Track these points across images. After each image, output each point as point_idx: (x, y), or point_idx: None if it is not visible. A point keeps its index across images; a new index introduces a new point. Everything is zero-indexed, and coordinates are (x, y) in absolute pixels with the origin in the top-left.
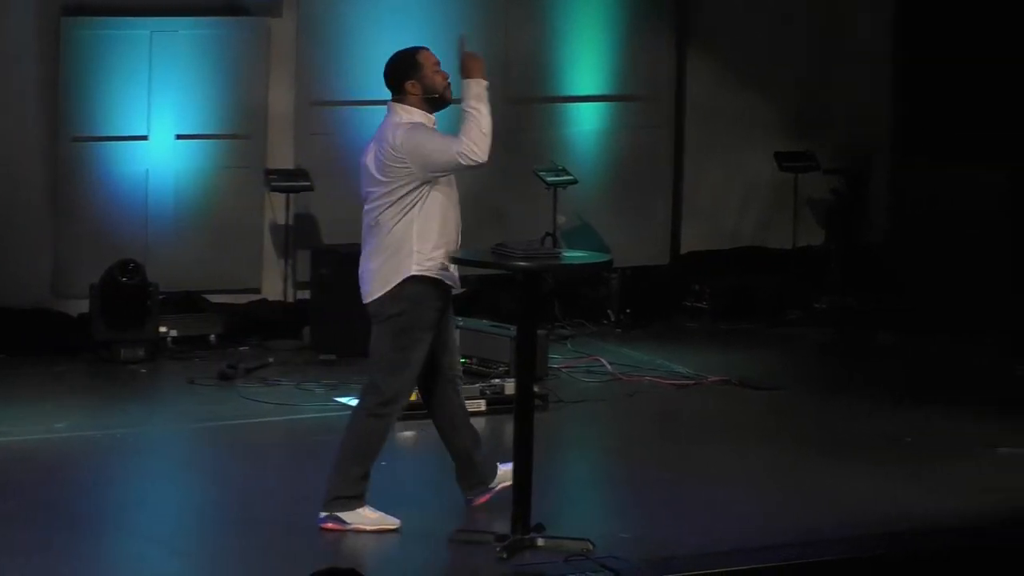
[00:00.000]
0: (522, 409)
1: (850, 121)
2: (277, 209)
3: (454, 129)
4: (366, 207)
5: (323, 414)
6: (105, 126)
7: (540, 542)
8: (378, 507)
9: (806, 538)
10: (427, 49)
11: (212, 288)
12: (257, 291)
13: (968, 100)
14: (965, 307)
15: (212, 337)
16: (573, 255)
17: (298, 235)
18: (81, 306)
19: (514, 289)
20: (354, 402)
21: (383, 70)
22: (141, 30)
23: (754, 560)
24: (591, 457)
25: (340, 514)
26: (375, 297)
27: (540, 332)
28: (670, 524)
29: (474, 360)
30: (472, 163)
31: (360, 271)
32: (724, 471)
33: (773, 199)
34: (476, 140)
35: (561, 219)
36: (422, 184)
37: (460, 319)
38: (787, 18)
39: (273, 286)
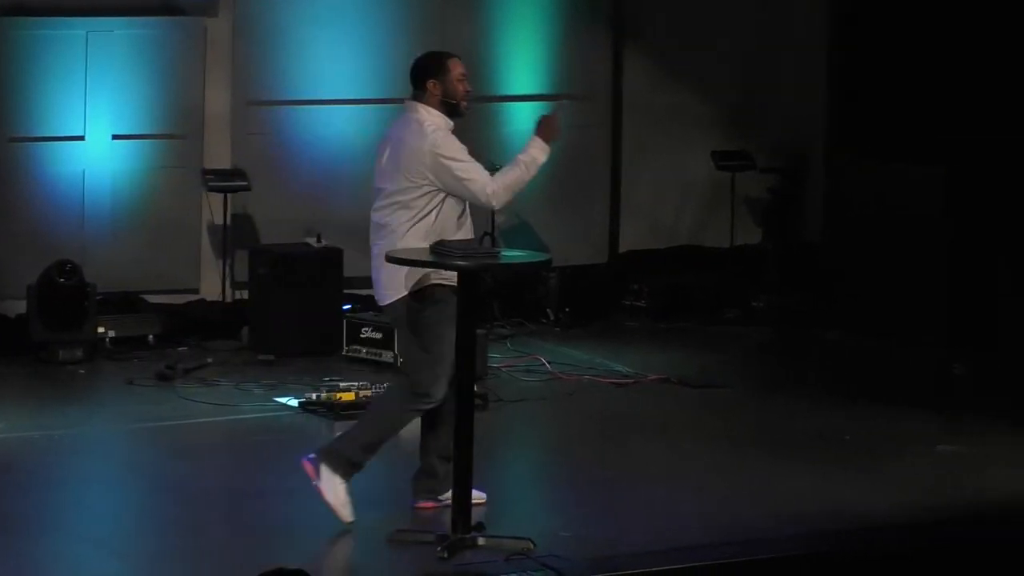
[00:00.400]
0: (462, 409)
1: (786, 120)
2: (215, 209)
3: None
4: (376, 204)
5: (262, 414)
6: (41, 126)
7: (481, 541)
8: (318, 507)
9: (746, 536)
10: (458, 58)
11: (150, 288)
12: (195, 291)
13: (903, 98)
14: (901, 305)
15: (150, 338)
16: (512, 254)
17: (236, 235)
18: (18, 307)
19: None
20: (293, 402)
21: (411, 66)
22: (77, 30)
23: (694, 558)
24: (531, 456)
25: (323, 466)
26: (391, 301)
27: (479, 332)
28: (610, 523)
29: None
30: (490, 206)
31: (373, 273)
32: (663, 469)
33: (710, 198)
34: (508, 189)
35: (500, 218)
36: (439, 191)
37: None
38: (723, 17)
39: (211, 286)
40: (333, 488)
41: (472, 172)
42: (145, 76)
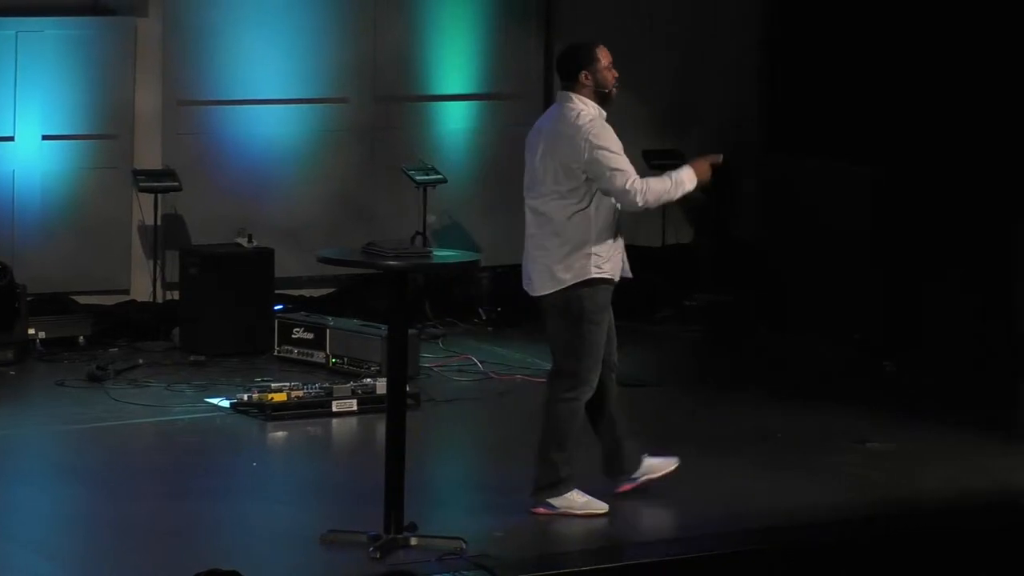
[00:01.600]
0: (394, 408)
1: (718, 118)
2: (145, 209)
3: None
4: (532, 193)
5: (193, 415)
6: None
7: (413, 541)
8: (250, 508)
9: (682, 534)
10: (603, 46)
11: (81, 289)
12: (126, 292)
13: (835, 96)
14: (833, 303)
15: (81, 339)
16: (443, 254)
17: (167, 235)
18: None
19: (385, 288)
20: (224, 403)
21: (557, 58)
22: (6, 30)
23: (630, 556)
24: (463, 456)
25: (550, 500)
26: (547, 292)
27: (411, 331)
28: (543, 521)
29: (345, 360)
30: (631, 202)
31: (527, 263)
32: (595, 468)
33: None
34: (651, 192)
35: (431, 218)
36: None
37: (331, 319)
38: (654, 15)
39: (142, 287)
40: (569, 503)
41: (622, 164)
42: (75, 76)
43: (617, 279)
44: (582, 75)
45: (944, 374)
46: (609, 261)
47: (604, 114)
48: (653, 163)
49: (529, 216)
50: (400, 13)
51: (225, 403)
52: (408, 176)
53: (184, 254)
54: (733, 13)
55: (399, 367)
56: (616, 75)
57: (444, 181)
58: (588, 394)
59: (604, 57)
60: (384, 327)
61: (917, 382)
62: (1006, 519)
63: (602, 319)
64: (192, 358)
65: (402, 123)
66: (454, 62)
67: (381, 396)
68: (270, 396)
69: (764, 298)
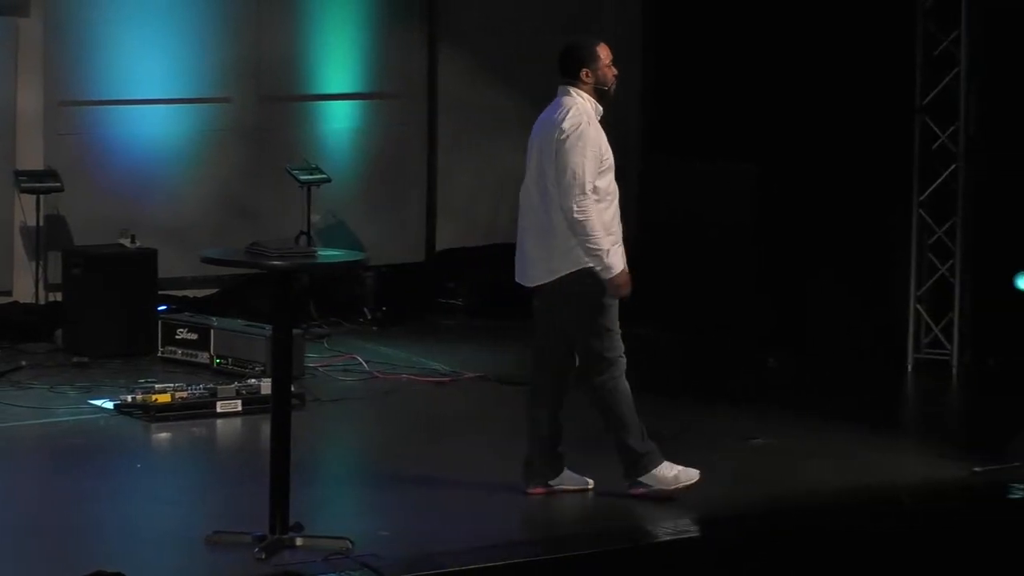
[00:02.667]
0: (279, 408)
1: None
2: (27, 210)
3: None
4: (528, 183)
5: (77, 417)
6: None
7: (299, 542)
8: (135, 509)
9: (566, 532)
10: (605, 44)
11: None
12: (8, 293)
13: (717, 96)
14: (716, 301)
15: None
16: (328, 254)
17: (49, 236)
18: None
19: (269, 288)
20: (108, 404)
21: (560, 54)
22: None
23: (514, 555)
24: (349, 455)
25: (640, 479)
26: (544, 282)
27: (296, 331)
28: (429, 521)
29: (229, 360)
30: (569, 209)
31: (523, 254)
32: (483, 467)
33: None
34: (589, 222)
35: (316, 218)
36: (596, 178)
37: (215, 319)
38: (536, 13)
39: (24, 288)
40: (662, 476)
41: (580, 174)
42: None
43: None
44: (583, 72)
45: (826, 368)
46: None
47: (600, 110)
48: None
49: (522, 207)
50: (284, 13)
51: (109, 404)
52: (292, 176)
53: (67, 255)
54: (614, 11)
55: (284, 367)
56: (616, 72)
57: (328, 180)
58: (621, 368)
59: (604, 54)
60: (268, 327)
61: (800, 377)
62: (887, 515)
63: (610, 301)
64: (75, 359)
65: (286, 123)
66: (338, 62)
67: (266, 396)
68: (154, 397)
69: (645, 298)
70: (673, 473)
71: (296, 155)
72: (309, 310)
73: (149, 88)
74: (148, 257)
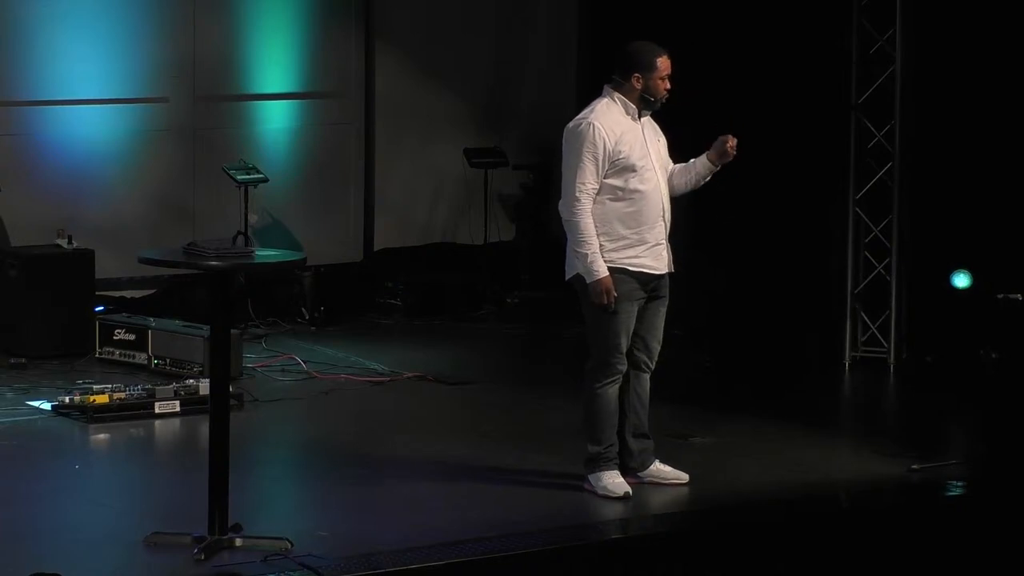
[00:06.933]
0: (217, 409)
1: (537, 116)
2: None
3: None
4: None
5: (14, 418)
6: None
7: (238, 542)
8: (73, 511)
9: (505, 531)
10: (667, 56)
11: None
12: None
13: None
14: None
15: None
16: (265, 253)
17: None
18: None
19: (207, 289)
20: (46, 406)
21: (619, 51)
22: None
23: (454, 554)
24: (288, 456)
25: (589, 476)
26: (569, 276)
27: (234, 331)
28: (369, 520)
29: (167, 361)
30: (564, 209)
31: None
32: (421, 466)
33: (464, 195)
34: (578, 226)
35: (253, 217)
36: (609, 176)
37: (152, 320)
38: (473, 14)
39: None
40: (594, 483)
41: (573, 175)
42: None
43: (635, 270)
44: (634, 77)
45: (763, 366)
46: (620, 251)
47: (635, 111)
48: (474, 161)
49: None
50: (219, 12)
51: (46, 406)
52: (229, 175)
53: (3, 256)
54: (550, 8)
55: (222, 368)
56: (668, 88)
57: (265, 180)
58: (618, 375)
59: (663, 66)
60: (206, 327)
61: (737, 376)
62: (824, 513)
63: (618, 308)
64: (12, 361)
65: (222, 122)
66: (274, 61)
67: (204, 397)
68: (92, 398)
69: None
70: (603, 483)
71: (233, 155)
72: (247, 310)
73: (85, 88)
74: (85, 258)
